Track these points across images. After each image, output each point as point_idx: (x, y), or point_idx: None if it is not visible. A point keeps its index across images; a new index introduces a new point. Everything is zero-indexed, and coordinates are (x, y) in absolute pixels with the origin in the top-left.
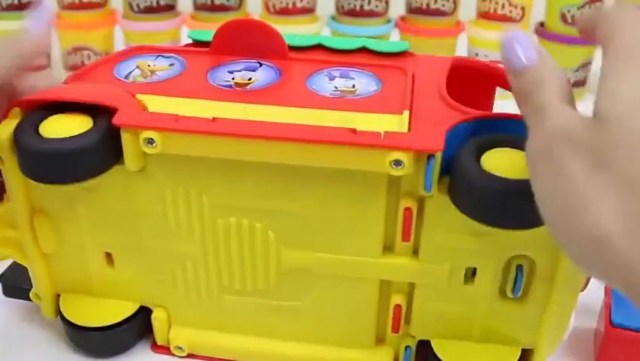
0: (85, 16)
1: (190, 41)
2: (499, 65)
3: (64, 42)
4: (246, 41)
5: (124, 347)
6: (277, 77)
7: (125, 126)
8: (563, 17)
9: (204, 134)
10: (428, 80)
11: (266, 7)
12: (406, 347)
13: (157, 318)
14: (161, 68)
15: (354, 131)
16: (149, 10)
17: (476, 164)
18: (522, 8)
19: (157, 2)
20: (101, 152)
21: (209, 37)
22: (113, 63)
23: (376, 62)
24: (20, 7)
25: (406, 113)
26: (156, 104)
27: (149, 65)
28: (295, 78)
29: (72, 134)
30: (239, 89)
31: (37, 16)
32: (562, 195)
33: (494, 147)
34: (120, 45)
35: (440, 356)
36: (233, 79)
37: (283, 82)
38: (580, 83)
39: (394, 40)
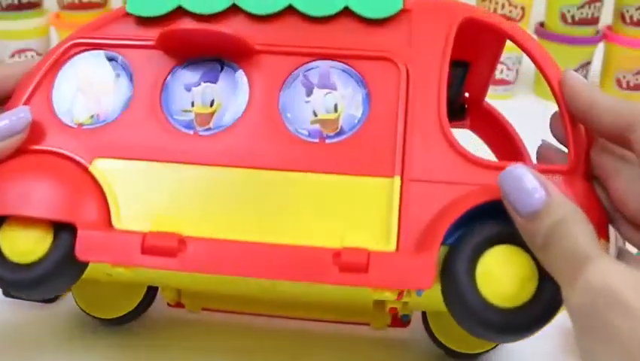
0: (85, 16)
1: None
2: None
3: None
4: (199, 46)
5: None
6: (243, 95)
7: (89, 261)
8: (563, 17)
9: (172, 270)
10: (426, 86)
11: None
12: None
13: (166, 295)
14: (106, 86)
15: (337, 255)
16: None
17: (471, 284)
18: (522, 8)
19: None
20: (66, 273)
21: (151, 12)
22: (51, 80)
23: (362, 41)
24: (20, 7)
25: (397, 180)
26: (114, 182)
27: (92, 83)
28: (265, 96)
29: (30, 260)
30: (202, 131)
31: (5, 123)
32: None
33: (493, 244)
34: None
35: (432, 326)
36: (192, 105)
37: (251, 108)
38: None
39: None
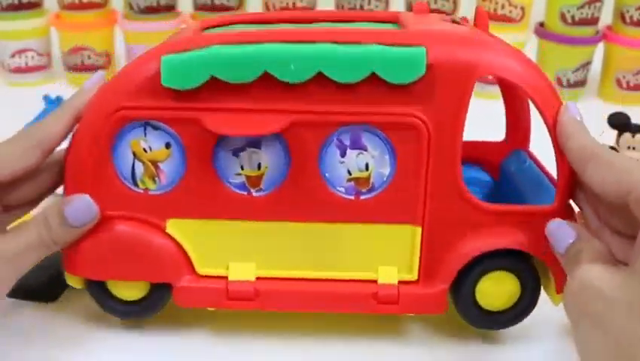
0: (85, 17)
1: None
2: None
3: (64, 42)
4: None
5: None
6: (286, 159)
7: (185, 306)
8: (563, 17)
9: (251, 309)
10: (444, 146)
11: (266, 7)
12: None
13: None
14: (160, 154)
15: (376, 293)
16: (149, 11)
17: (473, 300)
18: (522, 8)
19: (157, 2)
20: (161, 305)
21: (187, 85)
22: (107, 149)
23: (388, 105)
24: (20, 7)
25: (419, 229)
26: (188, 237)
27: (145, 151)
28: (306, 160)
29: (134, 299)
30: (254, 192)
31: (80, 213)
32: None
33: (487, 272)
34: (120, 45)
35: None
36: (242, 168)
37: (295, 170)
38: (580, 83)
39: (408, 51)
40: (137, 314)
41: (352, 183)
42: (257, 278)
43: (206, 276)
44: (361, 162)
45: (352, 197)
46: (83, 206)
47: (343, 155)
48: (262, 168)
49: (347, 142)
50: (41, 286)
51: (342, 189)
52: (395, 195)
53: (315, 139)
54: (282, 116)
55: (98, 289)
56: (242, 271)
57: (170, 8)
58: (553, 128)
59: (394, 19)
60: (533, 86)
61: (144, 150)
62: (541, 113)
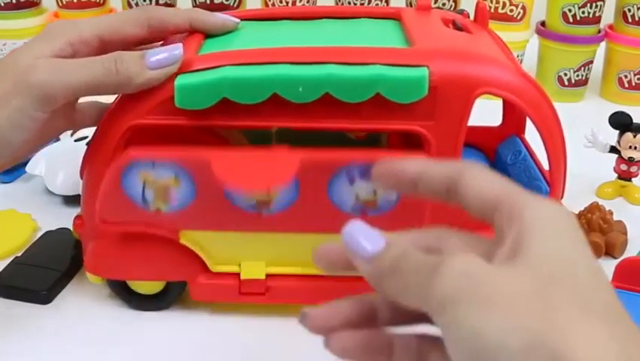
0: (84, 15)
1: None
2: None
3: None
4: None
5: None
6: (296, 189)
7: (202, 301)
8: (564, 16)
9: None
10: (446, 158)
11: (266, 5)
12: None
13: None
14: (169, 183)
15: None
16: None
17: None
18: (523, 7)
19: (156, 1)
20: (175, 298)
21: (199, 106)
22: (116, 179)
23: (392, 119)
24: (18, 6)
25: None
26: (200, 244)
27: (156, 181)
28: (315, 188)
29: (151, 293)
30: (264, 211)
31: (162, 55)
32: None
33: None
34: None
35: None
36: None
37: (303, 197)
38: (582, 83)
39: (411, 73)
40: (154, 306)
41: (360, 204)
42: (268, 279)
43: (219, 273)
44: (370, 189)
45: (359, 215)
46: (164, 52)
47: (352, 183)
48: (272, 194)
49: (356, 174)
50: (37, 288)
51: (350, 210)
52: (401, 215)
53: (324, 176)
54: (292, 162)
55: (117, 284)
56: (250, 269)
57: (169, 7)
58: (549, 143)
59: (395, 16)
60: (532, 104)
61: (155, 180)
62: (538, 128)
